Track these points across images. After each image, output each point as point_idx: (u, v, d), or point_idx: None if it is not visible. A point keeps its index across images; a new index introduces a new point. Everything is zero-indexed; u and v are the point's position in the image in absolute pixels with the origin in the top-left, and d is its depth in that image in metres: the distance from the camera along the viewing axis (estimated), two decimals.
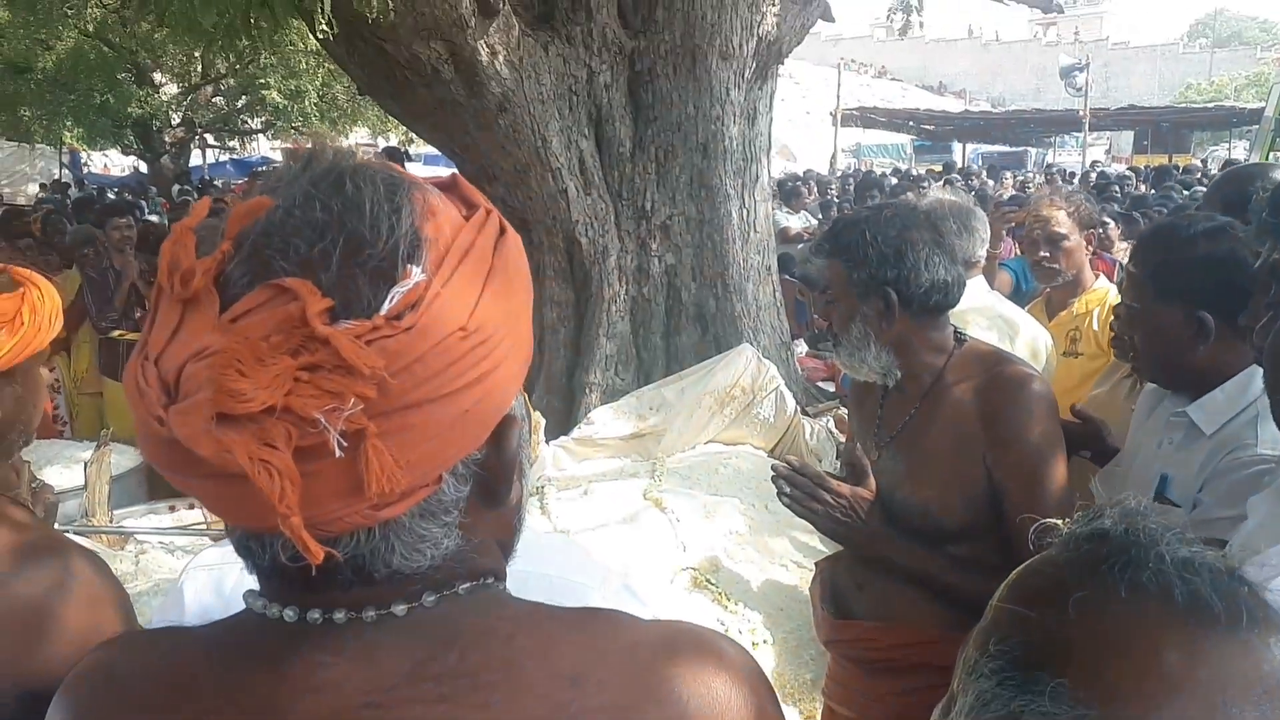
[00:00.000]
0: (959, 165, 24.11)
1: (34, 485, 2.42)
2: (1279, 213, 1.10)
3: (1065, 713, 0.56)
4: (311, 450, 0.57)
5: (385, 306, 0.59)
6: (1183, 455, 1.78)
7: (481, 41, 4.18)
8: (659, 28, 4.80)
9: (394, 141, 18.02)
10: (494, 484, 0.70)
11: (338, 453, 0.57)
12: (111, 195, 14.11)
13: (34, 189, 21.52)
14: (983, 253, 2.98)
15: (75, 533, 3.14)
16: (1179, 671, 0.57)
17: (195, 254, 0.61)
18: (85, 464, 3.45)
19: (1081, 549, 0.64)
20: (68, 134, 20.07)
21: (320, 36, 3.86)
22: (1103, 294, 3.18)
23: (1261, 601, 0.61)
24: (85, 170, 25.42)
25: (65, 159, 23.08)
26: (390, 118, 9.40)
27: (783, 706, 2.76)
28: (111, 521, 3.40)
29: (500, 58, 4.29)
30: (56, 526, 2.76)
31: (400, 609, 0.67)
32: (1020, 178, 18.78)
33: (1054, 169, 20.18)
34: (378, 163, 0.67)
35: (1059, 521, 0.68)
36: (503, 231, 0.68)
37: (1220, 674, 0.57)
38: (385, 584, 0.66)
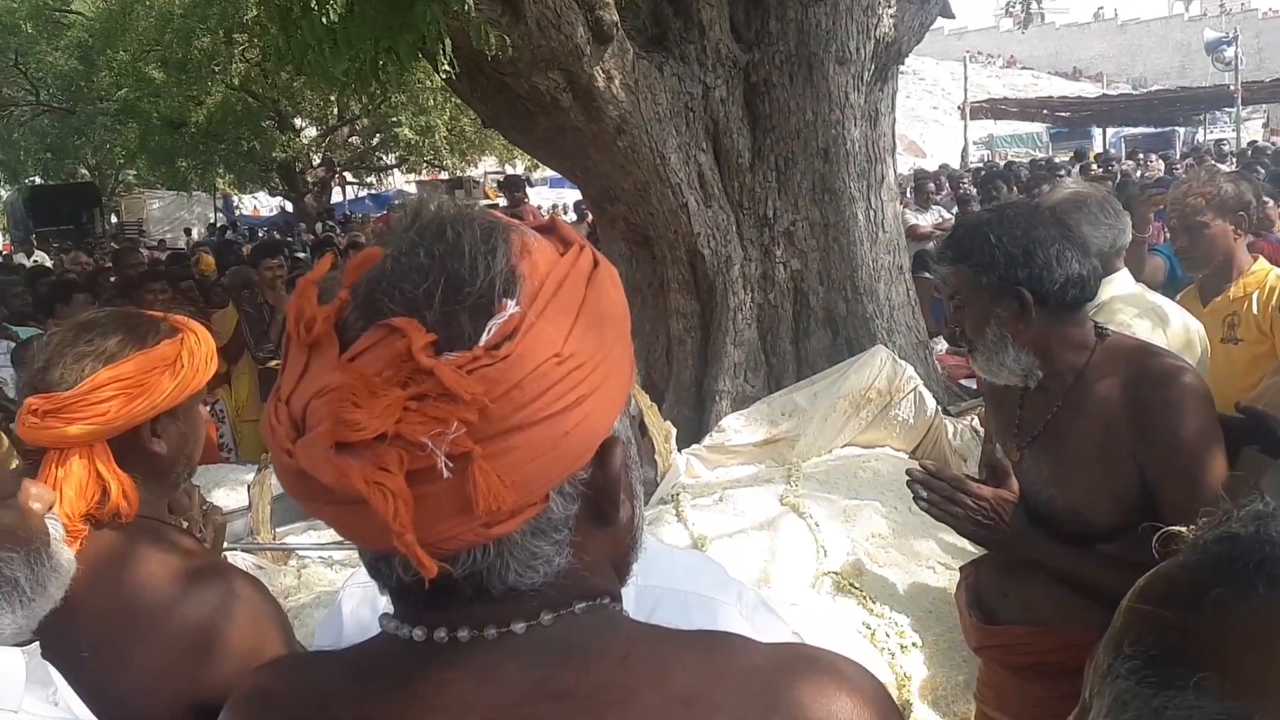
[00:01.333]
0: (1097, 150, 23.03)
1: (204, 508, 2.60)
2: None
3: (1212, 706, 0.56)
4: (423, 474, 0.62)
5: (484, 338, 0.64)
6: None
7: (597, 68, 4.28)
8: (773, 39, 4.80)
9: (520, 168, 18.54)
10: (602, 503, 0.72)
11: (445, 474, 0.61)
12: (261, 235, 15.00)
13: (195, 233, 23.10)
14: (1126, 240, 2.86)
15: (242, 550, 3.36)
16: None
17: (317, 304, 0.67)
18: (249, 486, 3.68)
19: (1211, 551, 0.63)
20: (220, 180, 21.52)
21: (444, 75, 4.03)
22: (1262, 275, 3.00)
23: None
24: (237, 213, 27.15)
25: (219, 204, 24.70)
26: (516, 146, 9.73)
27: (935, 710, 2.69)
28: (274, 539, 3.62)
29: (616, 82, 4.38)
30: (225, 545, 2.97)
31: (520, 627, 0.70)
32: (1166, 159, 17.74)
33: (1202, 148, 19.03)
34: (478, 210, 0.72)
35: (1184, 529, 0.67)
36: (596, 265, 0.72)
37: None
38: (504, 601, 0.70)
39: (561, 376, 0.65)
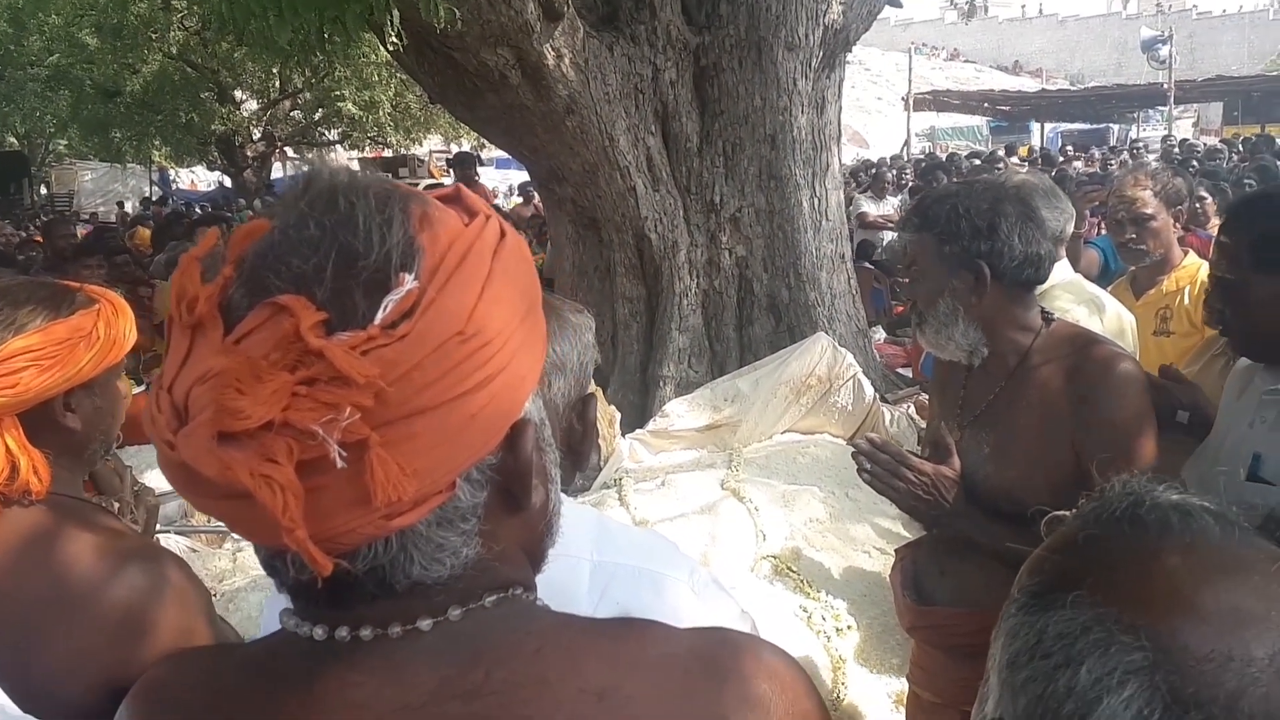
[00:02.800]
0: (1036, 145, 23.50)
1: (136, 489, 2.54)
2: None
3: (1085, 614, 0.61)
4: (315, 464, 0.57)
5: (379, 316, 0.59)
6: (1277, 435, 1.72)
7: (547, 46, 4.23)
8: (723, 22, 4.80)
9: (466, 146, 18.32)
10: (513, 489, 0.69)
11: (339, 463, 0.57)
12: (199, 210, 14.65)
13: (128, 207, 22.47)
14: (1070, 229, 2.92)
15: (175, 533, 3.28)
16: (1181, 572, 0.62)
17: (200, 282, 0.62)
18: None
19: (1086, 509, 0.70)
20: (156, 153, 20.90)
21: (390, 48, 3.96)
22: (1193, 270, 3.08)
23: (1252, 529, 0.66)
24: (174, 186, 26.43)
25: (155, 177, 24.01)
26: (463, 124, 9.59)
27: (868, 692, 2.73)
28: (209, 521, 3.54)
29: (566, 60, 4.34)
30: (158, 527, 2.90)
31: (426, 624, 0.66)
32: (1100, 155, 18.16)
33: (1138, 144, 19.53)
34: (372, 178, 0.67)
35: (1066, 513, 0.73)
36: (503, 235, 0.68)
37: (1220, 573, 0.62)
38: (408, 597, 0.66)
39: (466, 356, 0.60)
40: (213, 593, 3.14)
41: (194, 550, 3.26)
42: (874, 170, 10.68)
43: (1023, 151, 20.22)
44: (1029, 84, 47.19)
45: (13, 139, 23.18)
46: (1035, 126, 30.67)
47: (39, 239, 9.30)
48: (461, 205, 0.68)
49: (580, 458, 1.24)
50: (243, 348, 0.58)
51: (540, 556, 0.77)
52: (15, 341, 1.35)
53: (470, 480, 0.65)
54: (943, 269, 1.81)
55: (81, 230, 10.55)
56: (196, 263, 0.63)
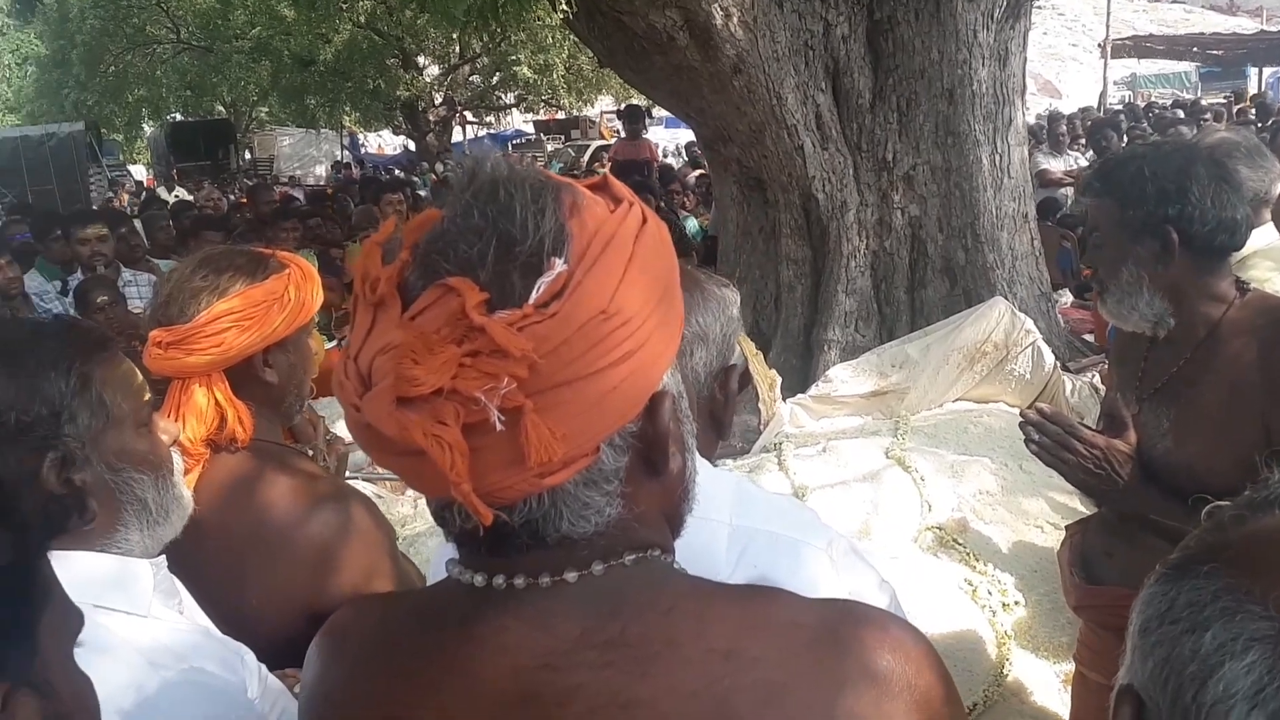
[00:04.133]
0: (1253, 92, 21.41)
1: (328, 438, 2.74)
2: None
3: (1216, 584, 0.62)
4: (478, 426, 0.65)
5: (533, 296, 0.66)
6: None
7: (715, 5, 4.20)
8: None
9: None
10: (652, 455, 0.74)
11: (498, 426, 0.64)
12: (385, 175, 15.40)
13: (321, 170, 23.87)
14: (1276, 190, 2.69)
15: (363, 479, 3.52)
16: None
17: (381, 265, 0.70)
18: None
19: (1244, 496, 0.70)
20: (347, 118, 22.06)
21: (562, 14, 4.03)
22: None
23: None
24: (363, 150, 27.87)
25: (345, 141, 25.39)
26: (631, 86, 9.68)
27: (1039, 664, 2.65)
28: None
29: (734, 19, 4.29)
30: (347, 474, 3.12)
31: (572, 576, 0.73)
32: None
33: None
34: (529, 169, 0.73)
35: (1225, 503, 0.73)
36: (645, 221, 0.73)
37: None
38: (557, 549, 0.72)
39: (608, 332, 0.67)
40: (398, 536, 3.37)
41: (379, 496, 3.48)
42: (1048, 125, 9.99)
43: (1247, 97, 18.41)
44: (1246, 24, 42.95)
45: (220, 108, 24.97)
46: (1252, 72, 27.91)
47: (244, 201, 10.04)
48: (608, 193, 0.75)
49: (723, 426, 1.27)
50: (417, 323, 0.66)
51: (678, 521, 0.82)
52: (219, 304, 1.50)
53: (613, 446, 0.71)
54: (1126, 236, 1.71)
55: (280, 192, 11.32)
56: (378, 247, 0.72)
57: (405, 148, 25.91)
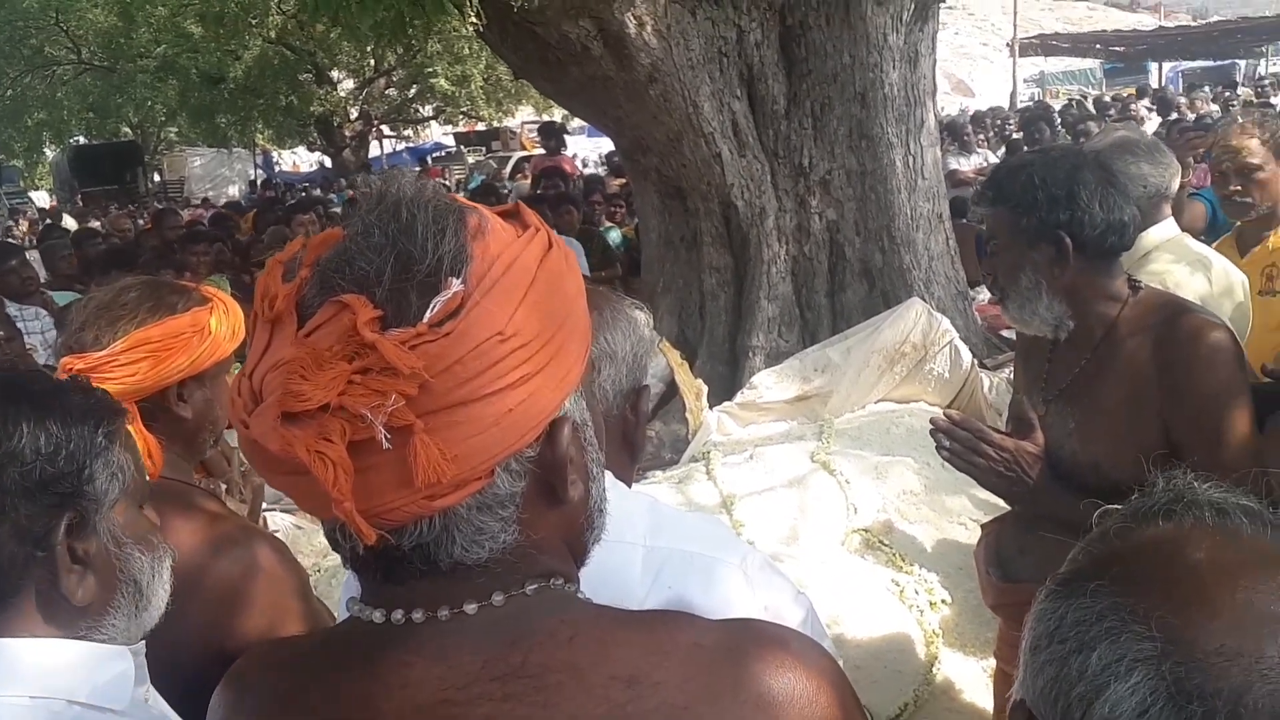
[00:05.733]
0: (1155, 86, 22.25)
1: (243, 469, 2.66)
2: None
3: (1102, 602, 0.63)
4: (365, 445, 0.64)
5: (427, 315, 0.66)
6: None
7: (628, 14, 4.19)
8: None
9: (557, 116, 18.40)
10: (551, 481, 0.74)
11: (385, 444, 0.64)
12: (300, 193, 15.08)
13: (235, 190, 23.32)
14: (1175, 186, 2.77)
15: (282, 511, 3.42)
16: (1201, 567, 0.63)
17: (282, 282, 0.71)
18: None
19: (1131, 502, 0.72)
20: (259, 136, 21.63)
21: (472, 25, 3.99)
22: None
23: None
24: (277, 169, 27.32)
25: (259, 160, 24.87)
26: (547, 97, 9.66)
27: (967, 661, 2.69)
28: None
29: (648, 28, 4.29)
30: (265, 505, 3.03)
31: (471, 607, 0.72)
32: (1225, 94, 17.00)
33: (1264, 81, 18.30)
34: (439, 193, 0.74)
35: (1116, 507, 0.74)
36: (550, 246, 0.74)
37: (1241, 571, 0.62)
38: (453, 577, 0.72)
39: (505, 355, 0.67)
40: (315, 568, 3.27)
41: (299, 527, 3.39)
42: (960, 124, 10.25)
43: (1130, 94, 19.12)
44: (1146, 21, 44.66)
45: (126, 129, 24.27)
46: (1153, 67, 29.03)
47: (149, 227, 9.74)
48: (518, 220, 0.76)
49: (635, 448, 1.27)
50: (311, 340, 0.67)
51: (582, 550, 0.82)
52: (136, 333, 1.48)
53: (509, 470, 0.71)
54: (1022, 242, 1.75)
55: (189, 214, 11.01)
56: (280, 265, 0.73)
57: (321, 164, 25.47)
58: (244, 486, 2.65)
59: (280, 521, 3.34)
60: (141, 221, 13.49)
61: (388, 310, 0.66)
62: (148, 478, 1.22)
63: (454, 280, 0.67)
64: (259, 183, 22.46)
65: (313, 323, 0.67)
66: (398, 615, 0.73)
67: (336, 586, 2.98)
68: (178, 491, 1.55)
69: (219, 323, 1.55)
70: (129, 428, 1.20)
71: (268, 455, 0.67)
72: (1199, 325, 1.69)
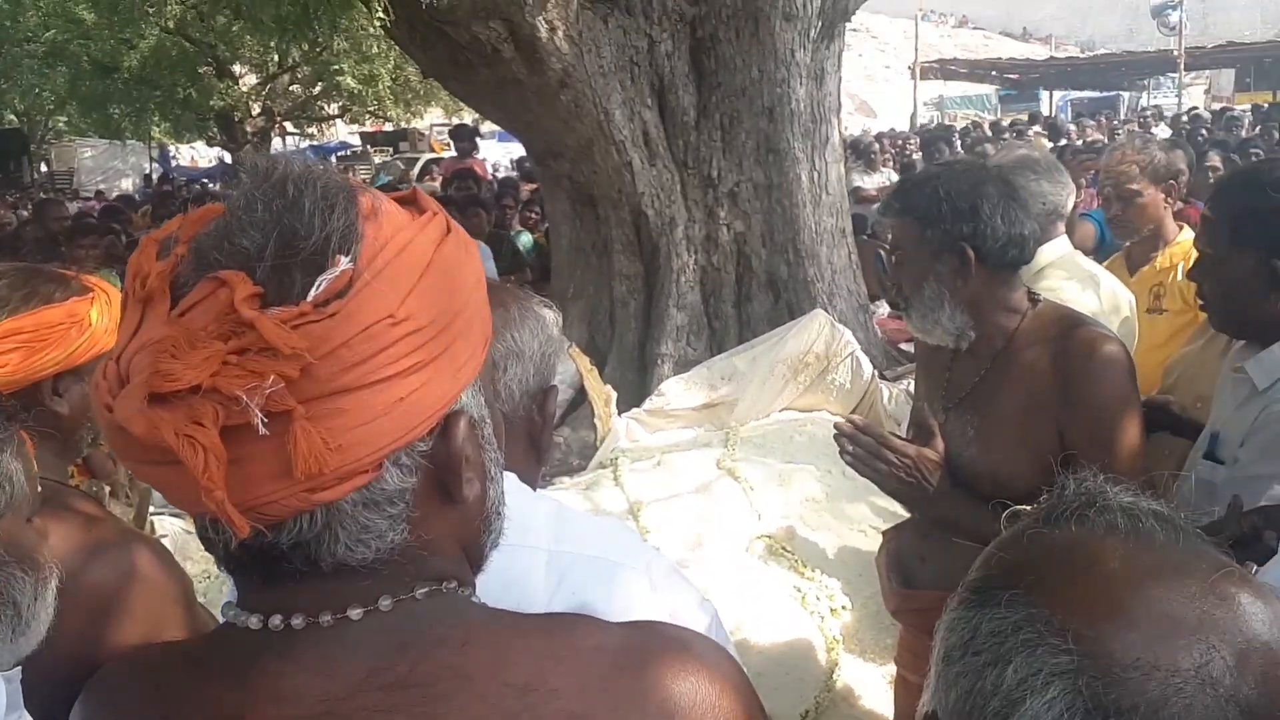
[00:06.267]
0: (1046, 114, 23.26)
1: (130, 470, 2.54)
2: None
3: (1017, 614, 0.62)
4: (241, 431, 0.59)
5: (312, 293, 0.61)
6: (1239, 414, 1.70)
7: (540, 18, 4.18)
8: None
9: (468, 120, 18.21)
10: (445, 478, 0.69)
11: (261, 430, 0.59)
12: (199, 186, 14.57)
13: (128, 184, 22.40)
14: (1070, 204, 2.88)
15: (170, 514, 3.28)
16: (1117, 576, 0.62)
17: (155, 260, 0.65)
18: None
19: (1042, 505, 0.70)
20: (155, 129, 20.81)
21: (379, 22, 3.91)
22: (1187, 245, 3.02)
23: (1202, 536, 0.66)
24: (174, 163, 26.34)
25: (154, 154, 23.95)
26: (457, 98, 9.53)
27: (867, 667, 2.74)
28: None
29: (559, 33, 4.28)
30: (151, 509, 2.90)
31: (356, 613, 0.67)
32: (1112, 123, 17.92)
33: (1147, 112, 19.31)
34: (330, 171, 0.69)
35: (1025, 507, 0.74)
36: (448, 231, 0.70)
37: (1156, 579, 0.62)
38: (336, 579, 0.67)
39: (396, 339, 0.62)
40: (206, 574, 3.14)
41: (188, 531, 3.25)
42: (865, 143, 10.57)
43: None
44: (1038, 51, 46.67)
45: (11, 116, 23.08)
46: (1045, 94, 30.36)
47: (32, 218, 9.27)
48: (415, 205, 0.72)
49: (541, 450, 1.24)
50: (185, 320, 0.61)
51: (479, 554, 0.77)
52: (7, 323, 1.38)
53: (399, 465, 0.66)
54: (926, 253, 1.79)
55: (79, 206, 10.52)
56: (155, 243, 0.67)
57: (221, 159, 24.67)
58: (130, 489, 2.54)
59: (169, 526, 3.20)
60: (25, 212, 12.84)
61: (269, 288, 0.61)
62: (40, 490, 1.13)
63: (342, 258, 0.62)
64: (155, 176, 21.63)
65: (186, 301, 0.62)
66: (276, 621, 0.67)
67: (227, 594, 2.88)
68: (51, 492, 1.45)
69: (99, 314, 1.46)
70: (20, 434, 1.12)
71: (133, 441, 0.61)
72: (1094, 338, 1.75)
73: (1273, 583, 1.15)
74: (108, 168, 24.66)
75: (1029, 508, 0.73)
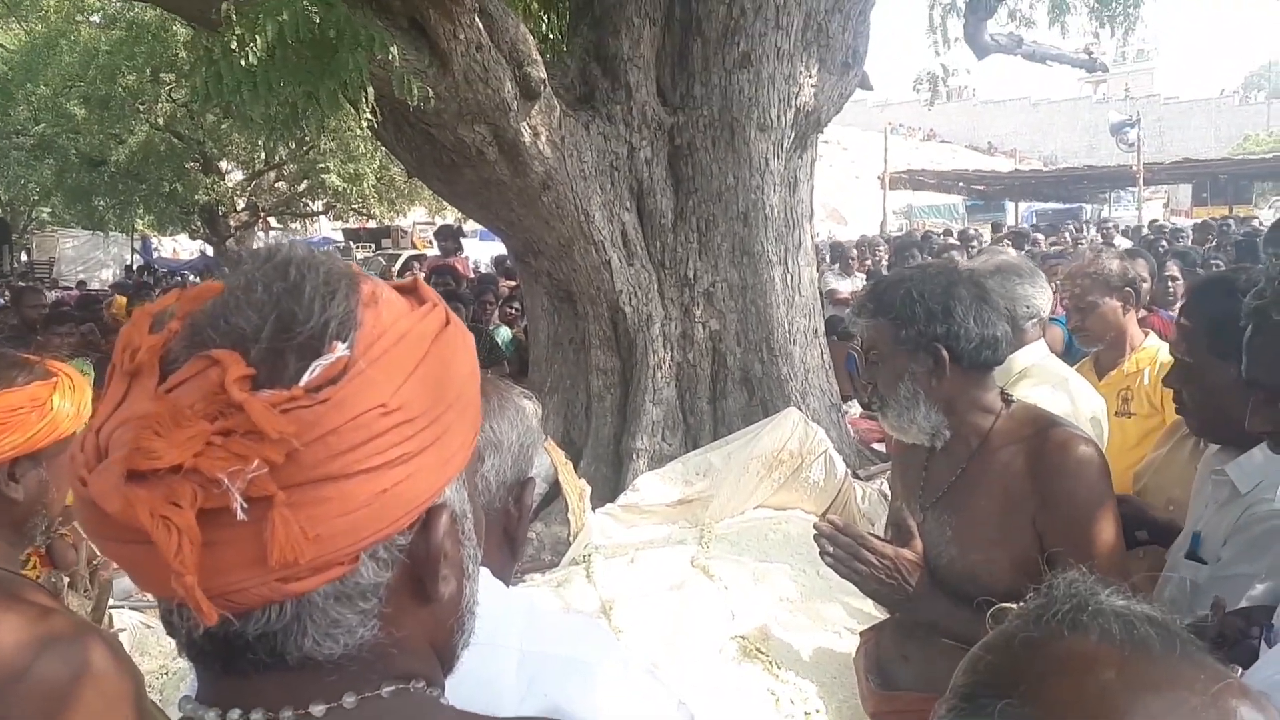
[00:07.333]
0: (1011, 224, 23.92)
1: (95, 562, 2.49)
2: None
3: None
4: (218, 515, 0.57)
5: (305, 378, 0.60)
6: (1220, 515, 1.72)
7: (524, 123, 4.31)
8: (697, 103, 4.91)
9: (450, 219, 18.48)
10: (422, 575, 0.67)
11: (240, 514, 0.57)
12: (178, 278, 14.59)
13: (108, 274, 22.39)
14: (1049, 308, 2.93)
15: (130, 607, 3.20)
16: (1115, 688, 0.60)
17: (148, 333, 0.64)
18: None
19: (1030, 606, 0.68)
20: (139, 221, 20.95)
21: (367, 124, 4.02)
22: (1153, 352, 3.11)
23: (1197, 643, 0.65)
24: (156, 254, 26.43)
25: (137, 245, 24.04)
26: (440, 197, 9.71)
27: None
28: None
29: (543, 138, 4.42)
30: (113, 601, 2.83)
31: (319, 709, 0.65)
32: (1071, 233, 18.44)
33: (1108, 224, 19.90)
34: (333, 259, 0.69)
35: (1011, 605, 0.72)
36: (447, 323, 0.69)
37: (1155, 693, 0.60)
38: (300, 673, 0.65)
39: (386, 429, 0.61)
40: (163, 670, 3.06)
41: (148, 626, 3.17)
42: (839, 250, 10.85)
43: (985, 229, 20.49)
44: (1003, 164, 48.28)
45: None
46: (1010, 205, 31.27)
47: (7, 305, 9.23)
48: (415, 295, 0.71)
49: (516, 544, 1.22)
50: (172, 396, 0.60)
51: (450, 654, 0.75)
52: None
53: (376, 558, 0.64)
54: (901, 353, 1.81)
55: (57, 295, 10.48)
56: (149, 316, 0.65)
57: (203, 252, 24.79)
58: (90, 580, 2.48)
59: (128, 619, 3.12)
60: (2, 299, 12.80)
61: (262, 370, 0.60)
62: None
63: (339, 344, 0.61)
64: (135, 268, 21.67)
65: (176, 377, 0.61)
66: (234, 715, 0.64)
67: (185, 690, 2.79)
68: (1, 582, 1.43)
69: (62, 399, 1.45)
70: None
71: (104, 518, 0.58)
72: (1068, 439, 1.77)
73: (1260, 685, 1.15)
74: (89, 258, 24.69)
75: (1015, 606, 0.72)
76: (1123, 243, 11.93)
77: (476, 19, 3.99)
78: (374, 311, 0.65)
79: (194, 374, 0.60)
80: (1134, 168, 24.98)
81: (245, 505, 0.57)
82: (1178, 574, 1.73)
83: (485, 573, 1.00)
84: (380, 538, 0.63)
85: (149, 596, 2.97)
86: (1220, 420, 1.77)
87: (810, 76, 5.04)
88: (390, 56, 3.67)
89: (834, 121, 5.73)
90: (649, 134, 4.89)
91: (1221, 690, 0.60)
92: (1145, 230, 15.28)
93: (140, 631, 3.08)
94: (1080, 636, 0.64)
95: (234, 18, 3.41)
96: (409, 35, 3.91)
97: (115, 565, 2.13)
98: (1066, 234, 16.11)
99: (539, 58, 4.29)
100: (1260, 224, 14.87)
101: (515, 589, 1.28)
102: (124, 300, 10.68)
